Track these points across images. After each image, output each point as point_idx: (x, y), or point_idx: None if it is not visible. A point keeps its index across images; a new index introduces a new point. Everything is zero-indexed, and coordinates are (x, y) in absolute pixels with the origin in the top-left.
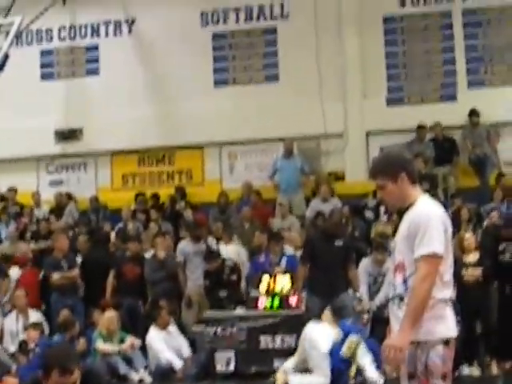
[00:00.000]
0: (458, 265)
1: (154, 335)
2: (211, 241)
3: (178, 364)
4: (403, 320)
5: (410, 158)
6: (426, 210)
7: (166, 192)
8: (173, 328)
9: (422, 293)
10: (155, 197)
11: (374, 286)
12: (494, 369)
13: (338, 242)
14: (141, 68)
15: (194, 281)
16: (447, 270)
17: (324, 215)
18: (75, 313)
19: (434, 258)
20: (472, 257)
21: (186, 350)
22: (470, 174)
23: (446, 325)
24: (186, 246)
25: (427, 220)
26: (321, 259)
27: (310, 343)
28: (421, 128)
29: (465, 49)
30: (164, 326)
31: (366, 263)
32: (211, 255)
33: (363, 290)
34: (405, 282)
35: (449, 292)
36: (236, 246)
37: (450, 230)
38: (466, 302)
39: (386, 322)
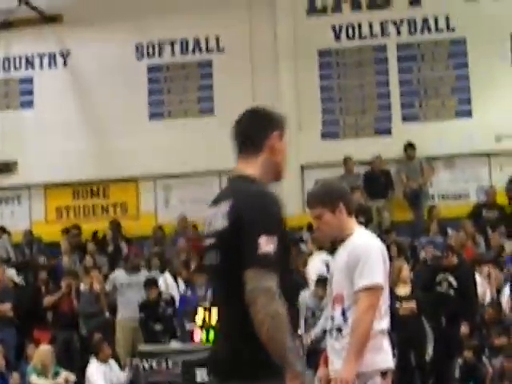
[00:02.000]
0: (392, 297)
1: (95, 368)
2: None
3: None
4: (348, 353)
5: (347, 189)
6: (364, 242)
7: (100, 225)
8: (112, 362)
9: (365, 324)
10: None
11: (312, 320)
12: None
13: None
14: (76, 101)
15: (127, 313)
16: (385, 301)
17: None
18: (7, 346)
19: (376, 290)
20: (404, 290)
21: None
22: (405, 207)
23: (384, 356)
24: (119, 276)
25: (367, 251)
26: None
27: None
28: (347, 160)
29: (399, 83)
30: (105, 360)
31: (304, 296)
32: (150, 282)
33: (300, 324)
34: (343, 313)
35: (386, 323)
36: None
37: (388, 261)
38: (401, 334)
39: (320, 353)
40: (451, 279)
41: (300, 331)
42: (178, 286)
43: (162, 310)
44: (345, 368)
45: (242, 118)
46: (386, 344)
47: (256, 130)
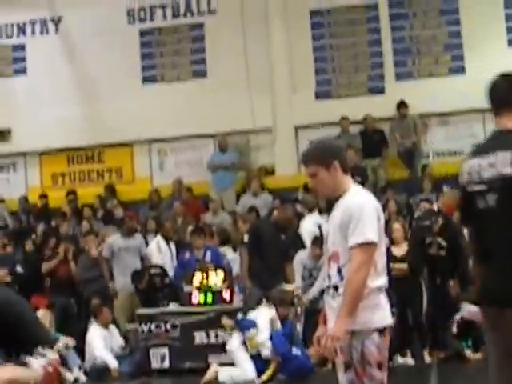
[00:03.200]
0: (389, 256)
1: (96, 333)
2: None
3: (113, 363)
4: (340, 309)
5: (342, 146)
6: (358, 199)
7: (96, 190)
8: (112, 327)
9: (357, 282)
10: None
11: (309, 280)
12: (427, 358)
13: (284, 236)
14: (68, 66)
15: (124, 277)
16: (381, 258)
17: (257, 210)
18: None
19: (369, 246)
20: (399, 250)
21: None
22: (399, 165)
23: (381, 313)
24: (116, 240)
25: (360, 209)
26: (266, 250)
27: None
28: (343, 120)
29: (392, 41)
30: (105, 324)
31: (301, 256)
32: (140, 274)
33: (298, 283)
34: (339, 271)
35: (383, 280)
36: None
37: (383, 219)
38: (397, 292)
39: (319, 313)
40: (440, 240)
41: (297, 291)
42: (170, 250)
43: (159, 283)
44: (335, 324)
45: (497, 82)
46: (383, 301)
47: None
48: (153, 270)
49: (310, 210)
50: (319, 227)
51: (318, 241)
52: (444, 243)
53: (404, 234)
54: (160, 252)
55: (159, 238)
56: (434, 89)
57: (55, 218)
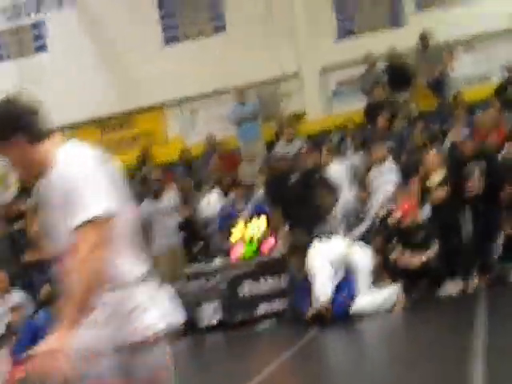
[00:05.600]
0: (426, 184)
1: None
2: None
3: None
4: (65, 315)
5: (25, 108)
6: (72, 166)
7: (131, 157)
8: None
9: (89, 275)
10: None
11: (357, 221)
12: (475, 283)
13: (295, 177)
14: (90, 37)
15: (162, 239)
16: (128, 229)
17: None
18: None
19: (99, 222)
20: (437, 176)
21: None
22: (429, 96)
23: (152, 315)
24: (145, 205)
25: (79, 176)
26: (284, 199)
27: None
28: (367, 57)
29: None
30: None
31: (346, 198)
32: (184, 201)
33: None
34: None
35: (144, 265)
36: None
37: (119, 175)
38: (439, 220)
39: None
40: (482, 166)
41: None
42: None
43: (202, 229)
44: (56, 336)
45: None
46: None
47: None
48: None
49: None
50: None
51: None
52: (485, 167)
53: (439, 161)
54: (209, 205)
55: (214, 192)
56: (456, 16)
57: None
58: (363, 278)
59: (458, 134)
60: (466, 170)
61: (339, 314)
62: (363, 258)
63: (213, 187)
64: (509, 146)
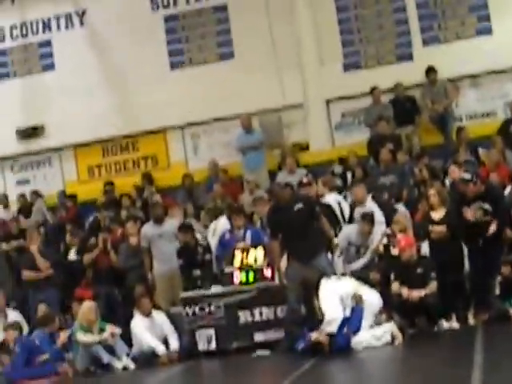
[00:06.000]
0: (427, 221)
1: (138, 322)
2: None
3: (161, 349)
4: None
5: None
6: None
7: (132, 180)
8: (159, 316)
9: None
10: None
11: (356, 255)
12: (472, 321)
13: (298, 206)
14: (96, 58)
15: (161, 263)
16: None
17: (292, 186)
18: (51, 306)
19: None
20: (437, 214)
21: (174, 340)
22: (433, 131)
23: None
24: (148, 228)
25: None
26: (286, 227)
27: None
28: (374, 90)
29: (416, 7)
30: (147, 314)
31: (347, 231)
32: (185, 227)
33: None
34: None
35: None
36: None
37: None
38: (438, 256)
39: None
40: (486, 206)
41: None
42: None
43: (201, 256)
44: None
45: None
46: None
47: None
48: (201, 242)
49: (330, 190)
50: (339, 204)
51: (368, 217)
52: (489, 208)
53: (441, 199)
54: (214, 235)
55: (222, 220)
56: (461, 51)
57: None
58: (369, 317)
59: (458, 172)
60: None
61: (340, 347)
62: (372, 298)
63: (220, 213)
64: None
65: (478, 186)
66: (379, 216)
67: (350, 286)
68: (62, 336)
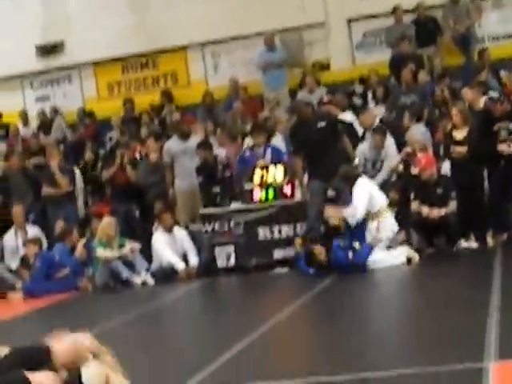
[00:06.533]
0: (449, 141)
1: (159, 237)
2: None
3: (180, 266)
4: None
5: None
6: None
7: (152, 97)
8: (180, 232)
9: None
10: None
11: (373, 171)
12: (490, 241)
13: (321, 124)
14: None
15: (183, 179)
16: None
17: (313, 105)
18: (70, 223)
19: None
20: (460, 133)
21: (193, 256)
22: (455, 52)
23: None
24: (173, 144)
25: None
26: (309, 144)
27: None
28: (396, 10)
29: None
30: (168, 229)
31: (362, 148)
32: (203, 145)
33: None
34: None
35: None
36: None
37: None
38: (458, 176)
39: None
40: (511, 126)
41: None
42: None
43: (220, 173)
44: None
45: None
46: None
47: None
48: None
49: (343, 110)
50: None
51: (380, 129)
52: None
53: (464, 118)
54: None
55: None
56: None
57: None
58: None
59: (471, 94)
60: (493, 129)
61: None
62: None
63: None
64: None
65: (504, 105)
66: (392, 150)
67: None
68: (80, 246)
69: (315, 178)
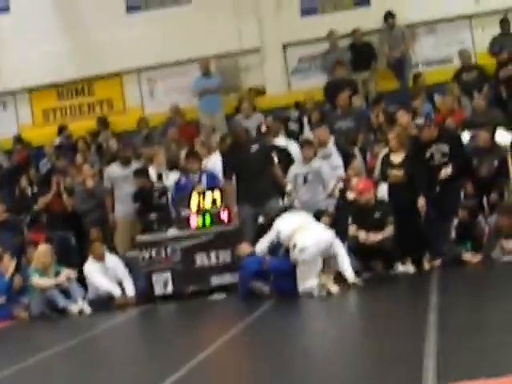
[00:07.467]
0: (386, 164)
1: (90, 266)
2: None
3: (117, 291)
4: None
5: None
6: None
7: (88, 124)
8: (112, 260)
9: None
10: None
11: (304, 186)
12: (427, 265)
13: (255, 147)
14: (52, 1)
15: (123, 205)
16: None
17: (249, 131)
18: (6, 249)
19: None
20: (397, 157)
21: (128, 284)
22: (390, 77)
23: None
24: (114, 170)
25: None
26: (241, 169)
27: None
28: (331, 35)
29: None
30: (99, 258)
31: (293, 167)
32: (140, 172)
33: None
34: None
35: None
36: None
37: None
38: (395, 201)
39: None
40: (444, 148)
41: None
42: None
43: (156, 199)
44: None
45: None
46: None
47: None
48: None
49: (276, 135)
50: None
51: (307, 143)
52: (447, 149)
53: (401, 142)
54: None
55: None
56: None
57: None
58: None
59: (406, 117)
60: (426, 153)
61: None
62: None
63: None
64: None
65: (431, 130)
66: (337, 160)
67: (295, 222)
68: (17, 279)
69: (245, 202)
